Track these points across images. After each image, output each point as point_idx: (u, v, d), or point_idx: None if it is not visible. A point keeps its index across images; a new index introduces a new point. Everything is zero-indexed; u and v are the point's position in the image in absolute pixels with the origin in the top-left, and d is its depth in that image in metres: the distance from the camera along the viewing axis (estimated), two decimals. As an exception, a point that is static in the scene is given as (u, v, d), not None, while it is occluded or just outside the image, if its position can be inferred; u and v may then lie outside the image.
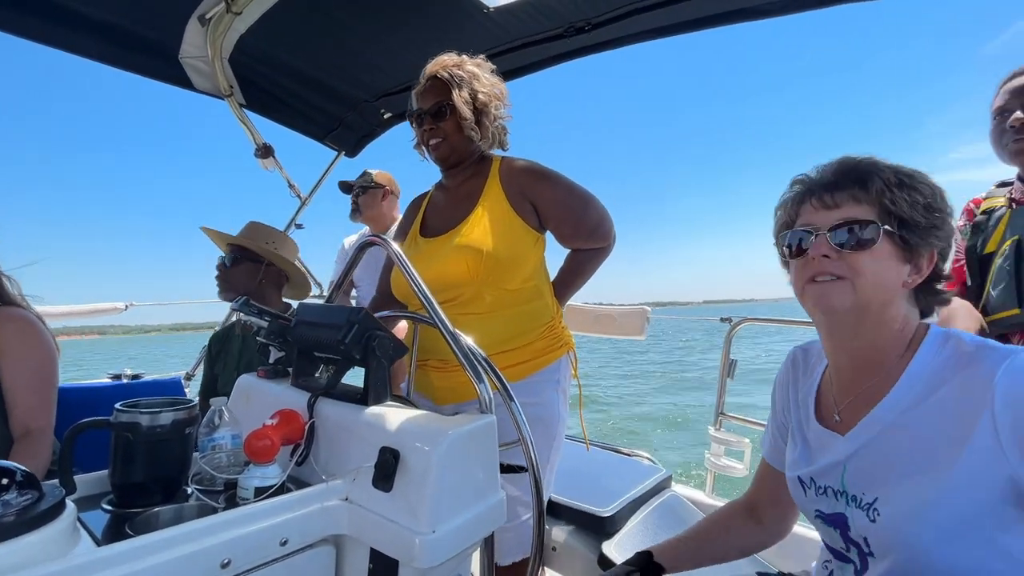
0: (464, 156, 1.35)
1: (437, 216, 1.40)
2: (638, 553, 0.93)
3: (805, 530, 1.64)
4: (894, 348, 0.73)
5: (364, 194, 2.53)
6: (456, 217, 1.32)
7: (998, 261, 1.24)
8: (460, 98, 1.28)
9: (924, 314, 0.77)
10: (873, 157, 0.75)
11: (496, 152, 1.41)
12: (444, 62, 1.33)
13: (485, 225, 1.27)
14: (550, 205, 1.31)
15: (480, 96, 1.31)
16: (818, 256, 0.72)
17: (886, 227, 0.70)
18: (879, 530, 0.69)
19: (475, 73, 1.32)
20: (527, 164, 1.36)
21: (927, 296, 0.76)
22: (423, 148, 1.38)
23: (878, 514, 0.69)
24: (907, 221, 0.70)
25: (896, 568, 0.69)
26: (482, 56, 1.38)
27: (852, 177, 0.73)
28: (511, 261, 1.27)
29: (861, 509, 0.72)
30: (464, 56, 1.35)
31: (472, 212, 1.29)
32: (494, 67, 1.38)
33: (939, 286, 0.75)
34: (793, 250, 0.77)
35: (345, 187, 2.61)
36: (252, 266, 1.66)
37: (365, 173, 2.57)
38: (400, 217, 1.78)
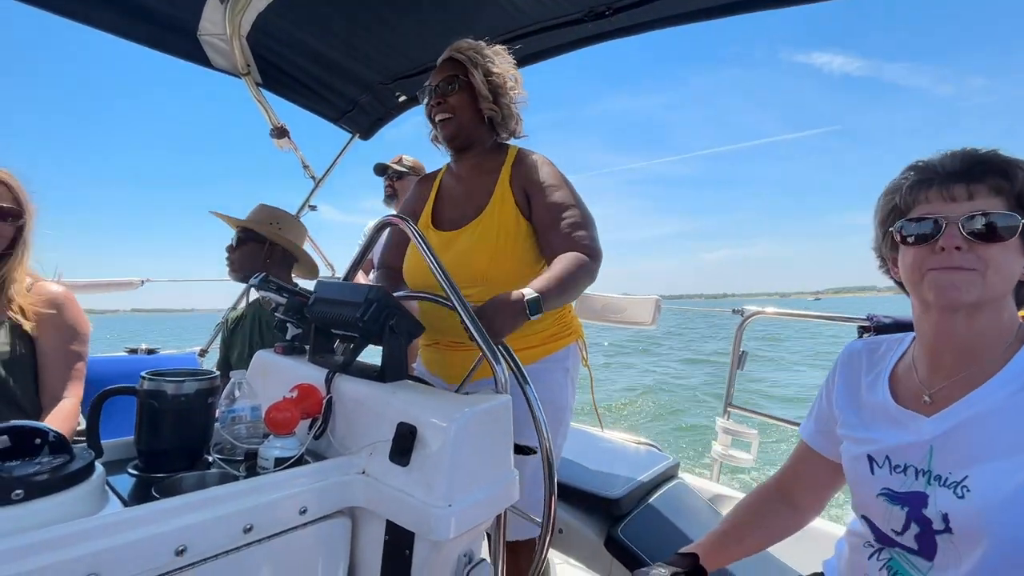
0: (472, 138, 1.33)
1: (449, 207, 1.38)
2: (680, 553, 0.92)
3: (815, 522, 1.65)
4: (1002, 337, 0.74)
5: (401, 179, 2.51)
6: (468, 214, 1.31)
7: None
8: (474, 76, 1.28)
9: (1019, 305, 0.77)
10: (998, 150, 0.74)
11: (512, 142, 1.39)
12: (460, 45, 1.33)
13: (497, 226, 1.26)
14: (541, 210, 1.26)
15: (494, 78, 1.30)
16: (950, 247, 0.71)
17: None
18: (967, 506, 0.70)
19: (490, 56, 1.31)
20: (536, 161, 1.32)
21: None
22: (433, 125, 1.35)
23: (968, 491, 0.70)
24: None
25: (976, 545, 0.69)
26: (500, 44, 1.37)
27: (989, 168, 0.72)
28: (520, 262, 1.27)
29: (947, 487, 0.72)
30: (482, 42, 1.34)
31: (484, 211, 1.29)
32: (513, 57, 1.36)
33: None
34: (913, 238, 0.75)
35: (380, 169, 2.56)
36: (256, 247, 1.68)
37: (402, 159, 2.56)
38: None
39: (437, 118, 1.32)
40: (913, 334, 0.86)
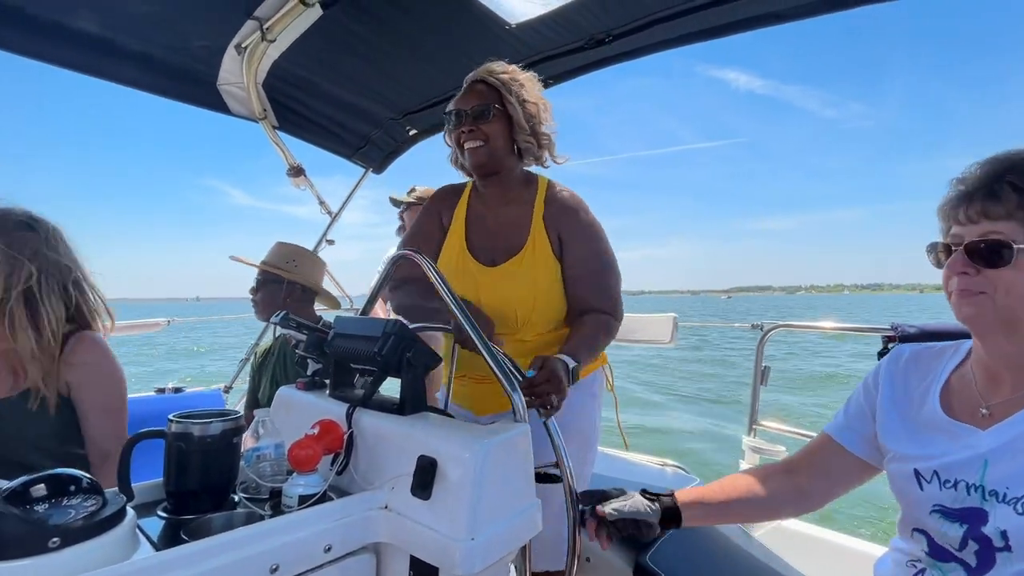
0: (502, 166, 1.27)
1: (480, 236, 1.32)
2: (662, 495, 0.92)
3: (850, 543, 1.59)
4: None
5: (409, 210, 2.57)
6: (500, 250, 1.28)
7: None
8: (511, 104, 1.22)
9: None
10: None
11: (540, 171, 1.36)
12: (493, 68, 1.27)
13: (535, 271, 1.25)
14: (574, 261, 1.27)
15: (528, 106, 1.25)
16: (956, 272, 0.72)
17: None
18: None
19: (522, 82, 1.26)
20: (572, 204, 1.29)
21: None
22: (459, 150, 1.28)
23: None
24: None
25: None
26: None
27: (985, 191, 0.71)
28: (555, 306, 1.28)
29: (1006, 504, 0.70)
30: (514, 66, 1.29)
31: (523, 251, 1.26)
32: (541, 83, 1.32)
33: None
34: (936, 261, 0.77)
35: (395, 203, 2.66)
36: (276, 287, 1.72)
37: (414, 190, 2.63)
38: None
39: (467, 145, 1.24)
40: (969, 343, 0.84)
